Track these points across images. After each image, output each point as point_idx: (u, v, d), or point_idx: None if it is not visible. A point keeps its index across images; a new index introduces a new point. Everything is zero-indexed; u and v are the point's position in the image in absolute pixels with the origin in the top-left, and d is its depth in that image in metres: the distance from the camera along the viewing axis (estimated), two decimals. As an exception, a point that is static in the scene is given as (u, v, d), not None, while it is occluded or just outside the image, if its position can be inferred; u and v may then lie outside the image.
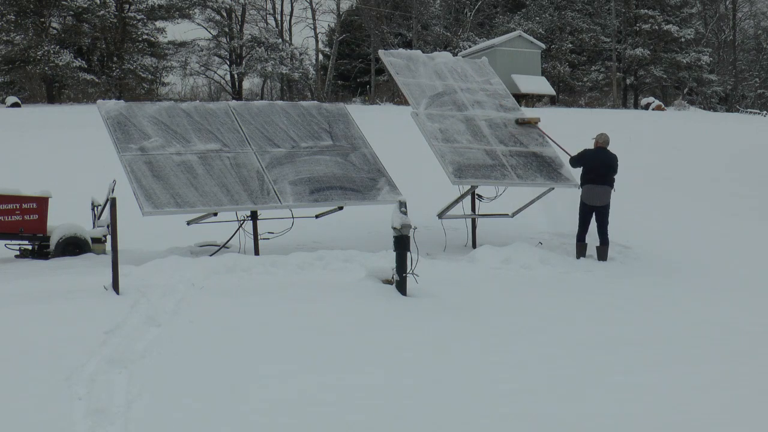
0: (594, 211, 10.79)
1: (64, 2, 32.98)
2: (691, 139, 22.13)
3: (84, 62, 34.35)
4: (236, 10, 41.70)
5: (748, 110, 39.43)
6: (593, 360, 6.44)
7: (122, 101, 10.55)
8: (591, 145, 11.13)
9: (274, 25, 44.91)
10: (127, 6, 36.05)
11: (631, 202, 15.33)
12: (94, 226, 10.61)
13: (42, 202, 10.04)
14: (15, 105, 28.60)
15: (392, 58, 11.96)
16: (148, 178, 9.43)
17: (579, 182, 11.54)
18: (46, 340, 6.19)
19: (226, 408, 5.14)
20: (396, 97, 34.42)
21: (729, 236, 12.85)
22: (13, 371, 5.59)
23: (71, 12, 33.68)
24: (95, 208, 10.80)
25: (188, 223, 10.90)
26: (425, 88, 11.66)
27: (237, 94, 41.39)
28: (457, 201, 11.13)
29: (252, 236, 9.96)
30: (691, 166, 18.91)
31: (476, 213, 11.33)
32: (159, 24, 38.03)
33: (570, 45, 43.43)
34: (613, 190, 10.85)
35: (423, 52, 12.61)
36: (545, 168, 11.44)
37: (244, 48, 41.43)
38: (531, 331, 7.25)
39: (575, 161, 11.04)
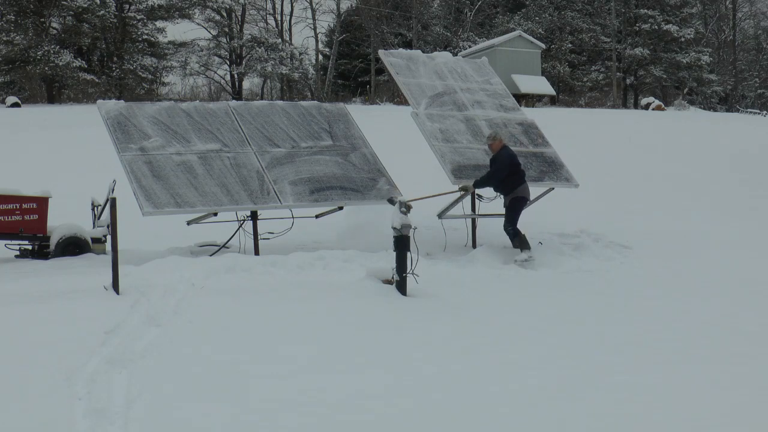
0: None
1: (64, 2, 32.98)
2: (691, 139, 22.13)
3: (84, 62, 34.35)
4: (236, 10, 41.70)
5: (748, 110, 39.45)
6: (593, 360, 6.44)
7: (122, 101, 10.54)
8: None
9: (274, 25, 44.93)
10: (127, 6, 36.06)
11: (631, 202, 15.34)
12: (94, 226, 10.61)
13: (42, 202, 10.04)
14: (15, 105, 28.60)
15: (392, 58, 11.96)
16: (148, 178, 9.43)
17: (576, 183, 11.58)
18: (46, 340, 6.19)
19: (226, 408, 5.13)
20: (396, 97, 34.43)
21: (729, 236, 12.84)
22: (13, 371, 5.59)
23: (71, 12, 33.68)
24: (95, 208, 10.80)
25: (188, 223, 10.89)
26: (425, 88, 11.66)
27: (237, 94, 41.39)
28: (457, 201, 11.12)
29: (252, 236, 9.96)
30: (691, 166, 18.91)
31: (476, 213, 11.32)
32: (159, 24, 38.05)
33: (570, 45, 43.45)
34: None
35: (423, 52, 12.61)
36: (545, 168, 11.43)
37: (244, 48, 41.43)
38: (531, 331, 7.25)
39: (501, 171, 10.27)
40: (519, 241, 10.27)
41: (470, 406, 5.33)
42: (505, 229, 10.42)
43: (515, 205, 10.42)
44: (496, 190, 10.60)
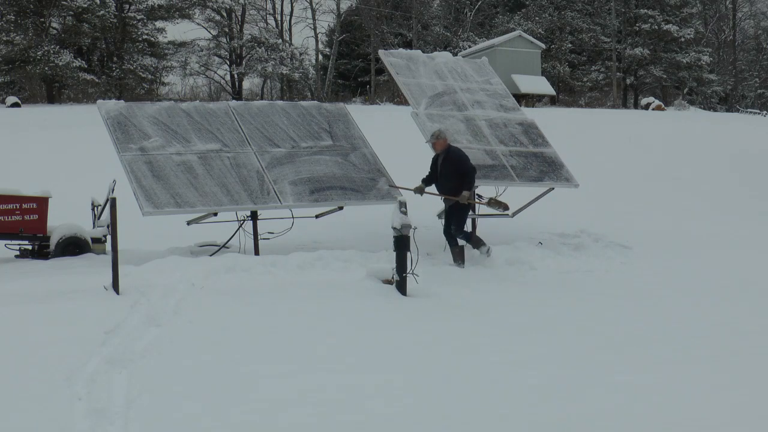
0: None
1: (64, 2, 32.98)
2: (691, 139, 22.13)
3: (84, 62, 34.35)
4: (236, 10, 41.71)
5: (748, 110, 39.46)
6: (593, 360, 6.44)
7: (122, 101, 10.54)
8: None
9: (274, 25, 44.94)
10: (127, 6, 36.06)
11: (631, 202, 15.34)
12: (94, 226, 10.61)
13: (42, 202, 10.04)
14: (15, 105, 28.60)
15: (392, 58, 11.95)
16: (148, 178, 9.43)
17: (576, 183, 11.58)
18: (46, 340, 6.19)
19: (226, 408, 5.13)
20: (396, 97, 34.44)
21: (729, 236, 12.85)
22: (13, 371, 5.59)
23: (71, 12, 33.68)
24: (95, 208, 10.80)
25: (188, 223, 10.89)
26: (425, 88, 11.66)
27: (237, 94, 41.40)
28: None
29: (252, 236, 9.96)
30: (692, 166, 18.91)
31: (476, 213, 11.32)
32: (159, 24, 38.05)
33: (570, 45, 43.46)
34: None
35: (423, 52, 12.60)
36: (545, 168, 11.43)
37: (244, 48, 41.44)
38: (531, 330, 7.25)
39: (473, 170, 10.06)
40: (474, 241, 10.03)
41: (470, 406, 5.33)
42: (456, 235, 10.01)
43: (464, 210, 10.08)
44: (441, 191, 10.14)
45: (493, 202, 10.69)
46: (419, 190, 10.34)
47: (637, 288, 9.35)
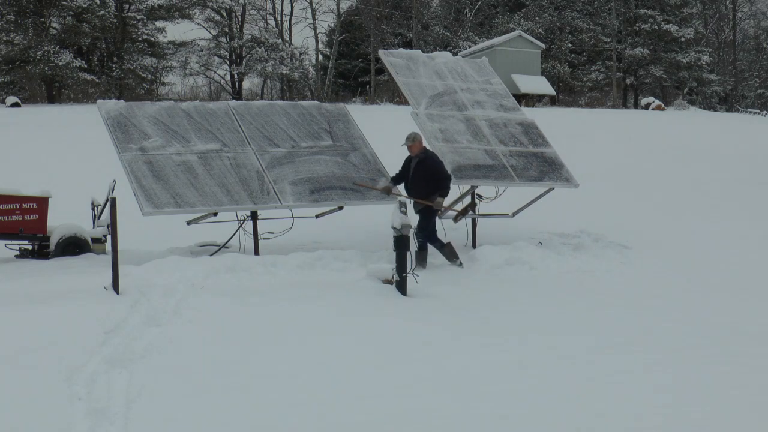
0: None
1: (64, 2, 32.99)
2: (691, 139, 22.14)
3: (84, 62, 34.37)
4: (236, 10, 41.74)
5: (748, 110, 39.49)
6: (593, 360, 6.44)
7: (122, 101, 10.53)
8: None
9: (274, 25, 44.97)
10: (127, 6, 36.07)
11: (631, 202, 15.34)
12: (94, 226, 10.61)
13: (42, 202, 10.04)
14: (15, 105, 28.61)
15: (392, 58, 11.95)
16: (148, 178, 9.42)
17: (576, 183, 11.55)
18: (46, 340, 6.19)
19: (226, 408, 5.14)
20: (396, 96, 34.45)
21: (729, 236, 12.84)
22: (13, 371, 5.59)
23: (71, 12, 33.70)
24: (95, 208, 10.80)
25: (188, 223, 10.89)
26: (425, 88, 11.66)
27: (237, 94, 41.42)
28: (457, 201, 11.12)
29: (252, 236, 9.96)
30: (691, 166, 18.92)
31: (476, 213, 11.32)
32: (159, 24, 38.08)
33: (570, 45, 43.50)
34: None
35: (423, 52, 12.60)
36: (545, 168, 11.43)
37: (244, 48, 41.45)
38: (531, 330, 7.25)
39: (450, 178, 10.04)
40: (447, 253, 9.93)
41: (470, 406, 5.33)
42: (417, 236, 9.85)
43: (433, 213, 10.02)
44: (410, 194, 10.07)
45: (459, 216, 10.77)
46: (386, 190, 10.30)
47: (637, 288, 9.35)
